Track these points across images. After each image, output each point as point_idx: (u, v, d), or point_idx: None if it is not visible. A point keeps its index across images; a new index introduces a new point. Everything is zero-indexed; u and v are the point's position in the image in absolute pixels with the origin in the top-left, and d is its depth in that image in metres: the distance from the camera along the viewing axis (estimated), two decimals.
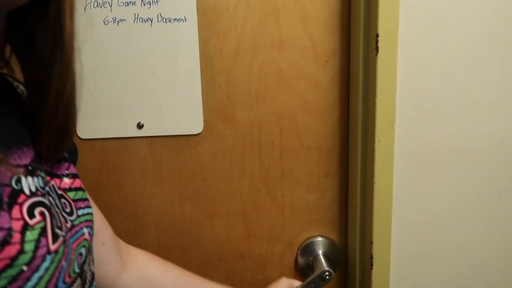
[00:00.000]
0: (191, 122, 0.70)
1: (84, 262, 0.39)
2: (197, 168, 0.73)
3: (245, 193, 0.74)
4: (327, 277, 0.72)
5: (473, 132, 0.82)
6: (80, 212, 0.41)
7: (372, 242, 0.80)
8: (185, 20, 0.66)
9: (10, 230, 0.29)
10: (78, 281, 0.37)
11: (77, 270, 0.37)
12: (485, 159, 0.82)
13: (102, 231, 0.55)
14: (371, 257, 0.81)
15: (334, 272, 0.71)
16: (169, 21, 0.66)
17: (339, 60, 0.73)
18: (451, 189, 0.82)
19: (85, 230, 0.41)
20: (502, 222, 0.84)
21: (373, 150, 0.78)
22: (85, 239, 0.40)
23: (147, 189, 0.72)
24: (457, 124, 0.81)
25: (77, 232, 0.39)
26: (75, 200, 0.41)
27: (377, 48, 0.77)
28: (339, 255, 0.77)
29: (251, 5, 0.67)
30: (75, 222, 0.39)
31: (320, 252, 0.77)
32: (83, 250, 0.39)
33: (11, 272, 0.29)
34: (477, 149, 0.82)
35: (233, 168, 0.73)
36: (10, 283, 0.29)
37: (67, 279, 0.35)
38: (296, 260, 0.76)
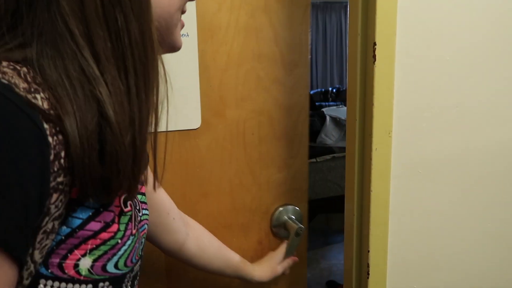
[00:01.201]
0: (191, 119, 0.85)
1: (142, 249, 0.52)
2: (196, 157, 0.87)
3: (232, 174, 0.90)
4: (300, 231, 0.90)
5: (470, 141, 0.82)
6: (144, 211, 0.54)
7: (368, 251, 0.80)
8: (188, 35, 0.81)
9: (114, 214, 0.44)
10: (139, 262, 0.51)
11: (140, 253, 0.50)
12: (482, 168, 0.82)
13: (172, 209, 0.73)
14: (368, 266, 0.81)
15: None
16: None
17: (300, 69, 0.92)
18: (448, 198, 0.82)
19: (146, 226, 0.54)
20: (499, 231, 0.84)
21: (370, 159, 0.78)
22: (145, 232, 0.54)
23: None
24: (454, 133, 0.81)
25: (142, 225, 0.52)
26: (141, 202, 0.54)
27: (374, 56, 0.77)
28: (301, 217, 0.97)
29: (238, 26, 0.85)
30: (142, 218, 0.52)
31: (289, 215, 0.94)
32: (143, 240, 0.52)
33: (112, 242, 0.43)
34: (474, 158, 0.82)
35: (223, 155, 0.89)
36: (110, 249, 0.43)
37: (136, 257, 0.49)
38: (271, 224, 0.95)
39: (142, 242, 0.51)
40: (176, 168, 0.85)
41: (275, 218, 0.93)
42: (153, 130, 0.45)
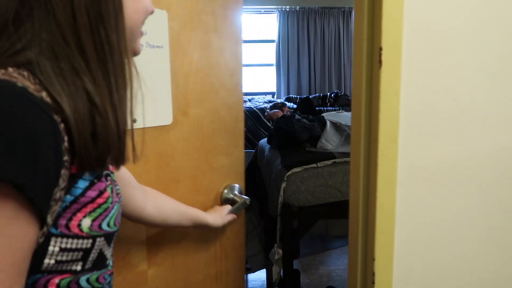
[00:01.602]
0: (165, 116, 1.01)
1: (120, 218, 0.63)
2: (168, 149, 1.04)
3: (195, 162, 1.09)
4: (248, 202, 1.13)
5: (478, 147, 0.81)
6: (117, 186, 0.64)
7: (374, 259, 0.79)
8: (162, 47, 0.98)
9: (105, 184, 0.56)
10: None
11: (119, 219, 0.61)
12: (490, 175, 0.81)
13: (131, 180, 0.86)
14: (373, 274, 0.79)
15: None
16: (152, 47, 0.96)
17: (238, 75, 1.14)
18: (455, 205, 0.81)
19: (121, 198, 0.66)
20: (508, 240, 0.83)
21: (376, 165, 0.77)
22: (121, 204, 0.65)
23: (137, 166, 0.95)
24: (462, 138, 0.80)
25: (119, 197, 0.63)
26: (113, 180, 0.63)
27: (380, 61, 0.76)
28: (242, 192, 1.18)
29: (196, 41, 1.05)
30: (118, 191, 0.63)
31: (234, 192, 1.16)
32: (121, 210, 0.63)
33: (105, 206, 0.55)
34: (482, 165, 0.81)
35: (189, 147, 1.07)
36: (103, 212, 0.55)
37: (119, 220, 0.61)
38: (221, 199, 1.15)
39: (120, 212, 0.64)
40: (152, 158, 1.01)
41: (224, 194, 1.15)
42: (130, 117, 0.57)
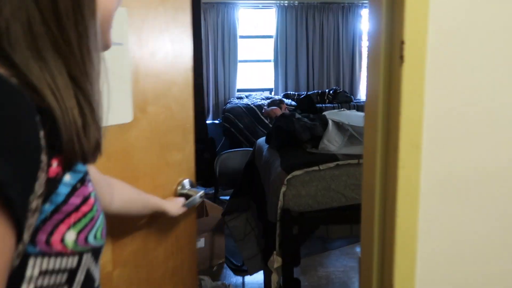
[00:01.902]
0: (125, 114, 1.02)
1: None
2: (129, 147, 1.04)
3: (153, 159, 1.11)
4: (203, 194, 1.18)
5: (509, 155, 0.70)
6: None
7: (392, 286, 0.68)
8: (122, 44, 0.99)
9: (89, 189, 0.50)
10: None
11: (105, 231, 0.55)
12: None
13: (100, 177, 0.82)
14: None
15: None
16: (114, 44, 1.00)
17: (188, 72, 1.18)
18: (486, 221, 0.71)
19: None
20: None
21: (396, 178, 0.66)
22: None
23: (99, 162, 0.95)
24: (493, 145, 0.69)
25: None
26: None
27: (402, 57, 0.65)
28: (193, 186, 1.22)
29: (154, 39, 1.08)
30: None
31: (188, 186, 1.20)
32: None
33: (90, 215, 0.49)
34: None
35: (147, 144, 1.09)
36: (89, 222, 0.49)
37: (105, 232, 0.54)
38: (176, 195, 1.17)
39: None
40: (114, 156, 1.00)
41: (179, 190, 1.17)
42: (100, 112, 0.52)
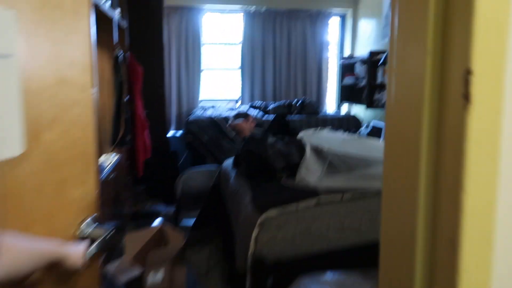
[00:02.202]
0: (12, 146, 0.82)
1: None
2: (19, 185, 0.88)
3: (49, 199, 0.96)
4: (112, 232, 1.02)
5: None
6: None
7: None
8: (10, 55, 0.80)
9: None
10: None
11: None
12: None
13: None
14: None
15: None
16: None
17: (88, 90, 1.02)
18: None
19: None
20: None
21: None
22: None
23: None
24: None
25: None
26: None
27: (467, 96, 0.39)
28: (97, 222, 1.06)
29: (49, 50, 0.95)
30: None
31: (93, 226, 1.04)
32: None
33: None
34: None
35: (41, 179, 0.93)
36: None
37: None
38: (78, 236, 1.01)
39: None
40: (0, 201, 0.85)
41: (82, 230, 1.01)
42: None
